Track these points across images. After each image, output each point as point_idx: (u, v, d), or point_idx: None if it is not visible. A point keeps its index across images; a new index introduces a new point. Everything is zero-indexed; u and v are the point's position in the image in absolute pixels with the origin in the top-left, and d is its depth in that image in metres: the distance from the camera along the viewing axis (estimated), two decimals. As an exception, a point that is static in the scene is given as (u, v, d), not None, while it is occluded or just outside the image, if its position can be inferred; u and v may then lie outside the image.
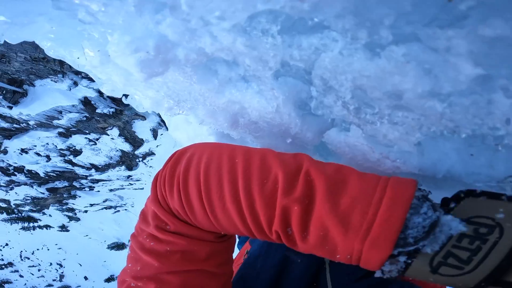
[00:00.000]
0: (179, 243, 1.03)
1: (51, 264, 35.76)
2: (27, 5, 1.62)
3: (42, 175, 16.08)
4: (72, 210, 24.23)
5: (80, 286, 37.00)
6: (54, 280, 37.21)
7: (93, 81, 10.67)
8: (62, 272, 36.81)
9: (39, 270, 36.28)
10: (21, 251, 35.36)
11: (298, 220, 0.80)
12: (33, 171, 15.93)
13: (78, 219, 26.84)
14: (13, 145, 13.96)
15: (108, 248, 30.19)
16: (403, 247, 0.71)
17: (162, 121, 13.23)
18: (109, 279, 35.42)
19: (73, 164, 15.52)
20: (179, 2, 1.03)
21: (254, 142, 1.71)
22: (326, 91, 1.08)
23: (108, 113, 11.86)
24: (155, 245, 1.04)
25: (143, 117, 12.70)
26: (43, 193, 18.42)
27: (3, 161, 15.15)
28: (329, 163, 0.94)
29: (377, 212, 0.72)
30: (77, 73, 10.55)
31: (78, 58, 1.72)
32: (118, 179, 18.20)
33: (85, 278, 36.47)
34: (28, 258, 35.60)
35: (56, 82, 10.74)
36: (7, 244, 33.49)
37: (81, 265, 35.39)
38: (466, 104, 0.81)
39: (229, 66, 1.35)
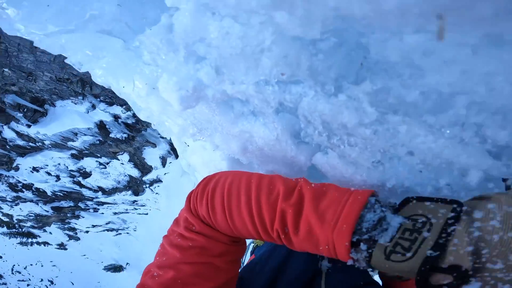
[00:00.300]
0: (200, 240, 1.28)
1: (42, 280, 35.28)
2: (104, 43, 2.01)
3: (49, 193, 16.31)
4: (73, 229, 24.30)
5: None
6: None
7: (111, 105, 11.19)
8: None
9: (28, 285, 35.74)
10: (14, 265, 34.85)
11: (292, 219, 1.07)
12: (41, 189, 16.14)
13: (78, 239, 26.77)
14: (25, 162, 14.24)
15: (104, 269, 30.12)
16: (360, 235, 0.95)
17: (172, 149, 13.60)
18: None
19: (81, 186, 15.74)
20: (213, 58, 1.48)
21: (260, 166, 2.07)
22: (307, 123, 1.45)
23: (121, 138, 12.24)
24: (181, 241, 1.29)
25: (153, 145, 13.01)
26: (48, 211, 18.60)
27: (13, 177, 15.35)
28: (319, 183, 1.22)
29: (342, 210, 0.99)
30: (96, 96, 10.97)
31: (123, 87, 2.11)
32: (123, 203, 18.37)
33: None
34: (19, 272, 35.13)
35: (76, 104, 11.13)
36: (0, 257, 33.27)
37: (73, 284, 34.92)
38: (376, 132, 1.24)
39: (243, 104, 1.72)
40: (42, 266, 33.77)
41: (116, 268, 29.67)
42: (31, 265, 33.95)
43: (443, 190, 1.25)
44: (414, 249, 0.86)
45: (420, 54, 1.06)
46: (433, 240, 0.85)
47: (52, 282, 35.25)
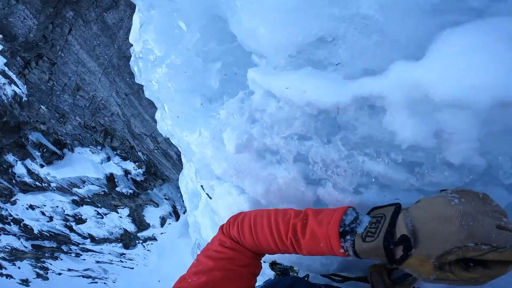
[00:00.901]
0: (230, 253, 1.60)
1: None
2: (186, 99, 2.59)
3: (36, 231, 16.44)
4: (45, 268, 23.62)
5: None
6: None
7: (125, 160, 11.84)
8: None
9: None
10: None
11: (300, 228, 1.43)
12: (29, 226, 16.30)
13: (46, 279, 25.40)
14: (25, 199, 14.50)
15: None
16: (344, 227, 1.36)
17: (174, 212, 14.06)
18: None
19: (72, 230, 15.92)
20: (264, 121, 2.08)
21: (277, 205, 2.40)
22: (313, 164, 1.94)
23: (125, 193, 12.73)
24: (215, 253, 1.60)
25: (156, 204, 13.47)
26: (26, 247, 18.54)
27: (6, 210, 15.59)
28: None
29: (332, 216, 1.37)
30: (114, 149, 11.58)
31: (186, 136, 2.69)
32: (110, 253, 18.35)
33: None
34: None
35: (93, 153, 11.73)
36: None
37: None
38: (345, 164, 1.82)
39: (273, 154, 2.18)
40: None
41: None
42: None
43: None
44: (377, 232, 1.35)
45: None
46: (387, 225, 1.34)
47: None
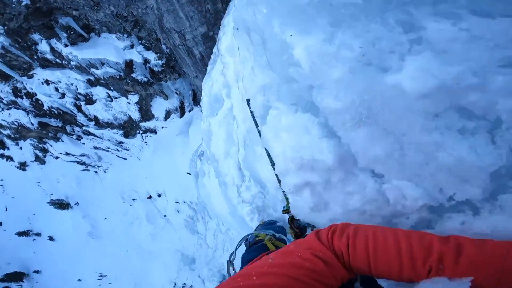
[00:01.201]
0: (319, 265, 1.50)
1: None
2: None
3: (45, 107, 17.21)
4: (45, 150, 24.52)
5: None
6: None
7: (148, 50, 12.62)
8: None
9: None
10: None
11: (452, 257, 1.38)
12: (40, 101, 17.00)
13: (43, 162, 26.79)
14: (42, 74, 15.15)
15: (49, 203, 29.91)
16: None
17: (181, 107, 14.80)
18: (22, 234, 34.06)
19: (79, 110, 16.73)
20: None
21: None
22: None
23: (140, 80, 13.54)
24: (300, 260, 1.51)
25: (166, 97, 14.27)
26: (33, 125, 19.32)
27: (22, 83, 16.26)
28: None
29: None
30: (140, 38, 12.33)
31: (290, 35, 2.55)
32: (109, 140, 19.33)
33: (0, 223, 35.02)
34: None
35: (118, 39, 12.50)
36: None
37: (6, 210, 34.13)
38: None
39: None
40: None
41: (62, 205, 29.42)
42: None
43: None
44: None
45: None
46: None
47: None
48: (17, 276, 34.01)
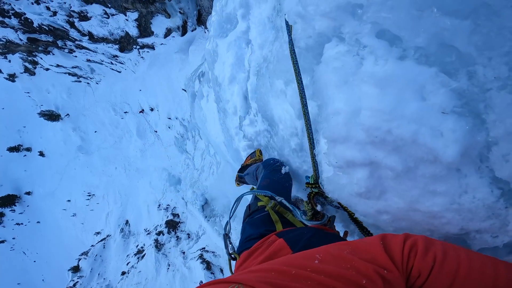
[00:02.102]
0: (380, 286, 1.30)
1: None
2: None
3: (35, 25, 17.48)
4: (34, 63, 25.06)
5: None
6: None
7: None
8: None
9: None
10: None
11: None
12: (29, 20, 17.20)
13: (33, 73, 27.42)
14: None
15: (39, 114, 30.65)
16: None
17: (183, 27, 15.04)
18: (13, 149, 35.73)
19: (72, 26, 17.02)
20: None
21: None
22: None
23: None
24: (356, 276, 1.30)
25: (168, 15, 14.45)
26: (22, 40, 19.70)
27: (9, 4, 16.41)
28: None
29: None
30: None
31: None
32: (103, 53, 19.74)
33: None
34: None
35: None
36: None
37: None
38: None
39: None
40: None
41: (52, 116, 30.18)
42: None
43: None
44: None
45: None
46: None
47: None
48: (10, 200, 36.01)
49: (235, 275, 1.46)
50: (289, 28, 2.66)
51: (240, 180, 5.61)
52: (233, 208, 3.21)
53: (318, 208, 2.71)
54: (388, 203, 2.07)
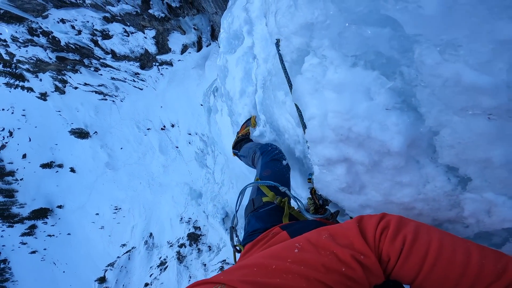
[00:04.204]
0: (358, 272, 1.24)
1: (3, 129, 35.96)
2: None
3: (62, 43, 17.70)
4: (64, 81, 25.31)
5: (12, 163, 37.33)
6: None
7: None
8: (7, 143, 36.76)
9: None
10: None
11: None
12: (56, 38, 17.45)
13: (63, 92, 27.77)
14: (57, 14, 15.42)
15: (70, 132, 30.95)
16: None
17: (198, 42, 14.96)
18: (46, 165, 36.15)
19: (96, 45, 17.13)
20: None
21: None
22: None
23: (157, 16, 13.61)
24: (333, 261, 1.25)
25: (183, 32, 14.43)
26: (51, 59, 19.93)
27: (37, 23, 16.68)
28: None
29: None
30: None
31: None
32: (126, 71, 19.73)
33: (24, 156, 36.73)
34: None
35: None
36: None
37: (30, 140, 35.88)
38: None
39: None
40: (12, 113, 34.66)
41: (81, 134, 30.38)
42: (3, 110, 34.76)
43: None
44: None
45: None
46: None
47: (11, 134, 36.07)
48: (42, 213, 36.87)
49: (221, 273, 1.33)
50: (277, 43, 2.83)
51: (236, 155, 5.37)
52: (238, 201, 3.15)
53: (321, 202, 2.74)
54: (368, 197, 2.14)
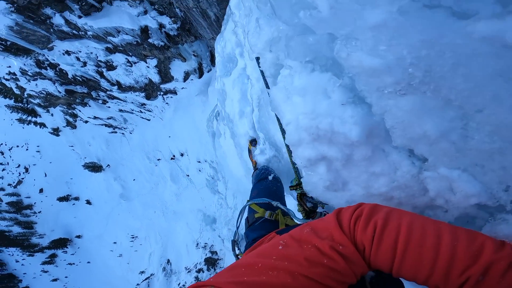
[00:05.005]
0: (339, 263, 1.19)
1: (19, 166, 36.17)
2: None
3: (70, 76, 17.62)
4: (75, 116, 25.29)
5: (30, 197, 37.41)
6: (9, 184, 37.32)
7: (162, 14, 12.58)
8: (23, 178, 36.95)
9: (3, 169, 36.68)
10: (1, 144, 35.66)
11: (502, 269, 1.06)
12: (64, 71, 17.38)
13: (74, 127, 27.74)
14: (62, 46, 15.42)
15: (83, 166, 31.05)
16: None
17: (199, 69, 14.84)
18: (63, 199, 36.14)
19: (102, 76, 17.01)
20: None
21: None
22: None
23: (157, 45, 13.64)
24: (315, 254, 1.21)
25: (183, 59, 14.28)
26: (60, 92, 19.88)
27: (43, 55, 16.64)
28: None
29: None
30: (152, 3, 12.34)
31: None
32: (132, 102, 19.60)
33: (41, 190, 36.84)
34: (2, 154, 35.95)
35: (131, 6, 12.55)
36: None
37: (46, 176, 35.91)
38: None
39: None
40: (27, 149, 34.75)
41: (95, 168, 30.54)
42: (17, 146, 34.97)
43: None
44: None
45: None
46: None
47: (27, 170, 36.17)
48: (62, 242, 36.98)
49: (212, 276, 1.26)
50: (257, 59, 3.04)
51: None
52: (239, 219, 3.07)
53: (308, 205, 2.80)
54: (352, 192, 2.14)
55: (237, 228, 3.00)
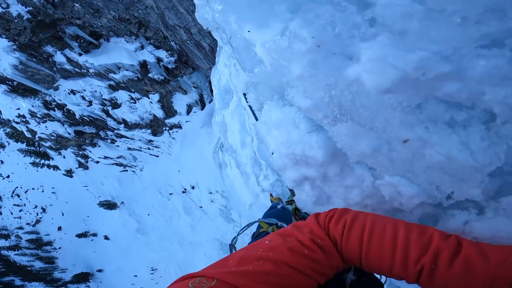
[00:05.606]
0: (317, 253, 1.31)
1: (36, 207, 35.90)
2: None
3: (77, 116, 17.48)
4: (86, 157, 25.20)
5: (49, 234, 36.99)
6: (28, 223, 36.94)
7: (158, 48, 12.40)
8: (41, 218, 36.66)
9: (20, 210, 36.21)
10: (17, 187, 35.30)
11: (447, 257, 1.17)
12: (71, 111, 17.28)
13: (86, 168, 27.66)
14: (66, 84, 15.35)
15: (99, 204, 31.04)
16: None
17: (201, 100, 14.65)
18: (81, 235, 35.73)
19: (108, 115, 16.85)
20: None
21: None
22: None
23: (157, 79, 13.45)
24: (298, 246, 1.32)
25: (184, 92, 14.12)
26: (70, 134, 19.71)
27: (50, 95, 16.56)
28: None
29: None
30: (148, 38, 12.17)
31: (248, 31, 2.13)
32: (140, 140, 19.48)
33: (59, 228, 36.50)
34: (18, 196, 35.51)
35: (127, 42, 12.39)
36: (8, 176, 34.04)
37: (63, 215, 35.69)
38: None
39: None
40: (42, 191, 34.52)
41: (110, 205, 30.48)
42: (33, 189, 34.73)
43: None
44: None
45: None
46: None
47: (44, 210, 35.91)
48: (84, 277, 36.49)
49: (203, 269, 1.35)
50: (245, 95, 3.10)
51: None
52: (244, 228, 3.13)
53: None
54: (336, 204, 2.23)
55: (238, 234, 3.03)
